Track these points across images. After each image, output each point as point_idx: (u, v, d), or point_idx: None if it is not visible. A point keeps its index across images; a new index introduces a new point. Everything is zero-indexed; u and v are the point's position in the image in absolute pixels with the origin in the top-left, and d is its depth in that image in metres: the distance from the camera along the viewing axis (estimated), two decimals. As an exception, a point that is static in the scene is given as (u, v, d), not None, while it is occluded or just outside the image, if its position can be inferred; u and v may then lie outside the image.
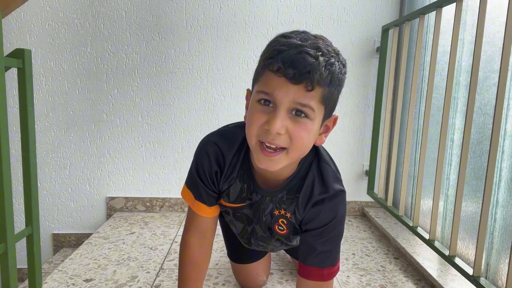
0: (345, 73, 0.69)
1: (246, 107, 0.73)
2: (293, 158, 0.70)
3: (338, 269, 0.81)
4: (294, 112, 0.64)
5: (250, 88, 0.73)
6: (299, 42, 0.62)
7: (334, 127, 0.74)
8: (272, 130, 0.63)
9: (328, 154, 0.84)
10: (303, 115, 0.64)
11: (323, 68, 0.62)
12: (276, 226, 0.86)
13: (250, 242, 0.95)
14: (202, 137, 0.84)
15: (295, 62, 0.60)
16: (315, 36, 0.66)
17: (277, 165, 0.68)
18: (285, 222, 0.84)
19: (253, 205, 0.85)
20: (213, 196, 0.84)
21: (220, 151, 0.79)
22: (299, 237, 0.86)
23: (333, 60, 0.64)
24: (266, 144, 0.66)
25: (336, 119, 0.73)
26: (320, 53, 0.62)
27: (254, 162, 0.75)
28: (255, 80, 0.69)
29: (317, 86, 0.62)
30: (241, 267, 1.10)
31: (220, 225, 1.11)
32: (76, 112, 1.72)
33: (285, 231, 0.86)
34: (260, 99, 0.65)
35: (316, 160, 0.79)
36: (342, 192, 0.78)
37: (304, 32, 0.67)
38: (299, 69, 0.60)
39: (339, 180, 0.80)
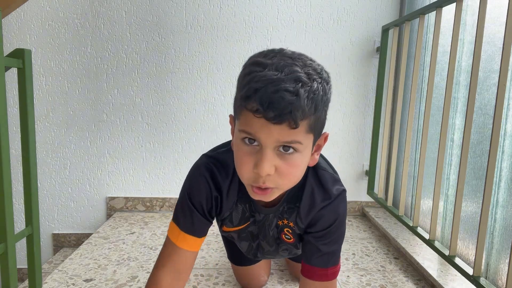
0: (330, 88, 0.64)
1: (232, 133, 0.71)
2: (287, 189, 0.69)
3: (339, 267, 0.82)
4: (281, 148, 0.61)
5: (232, 114, 0.70)
6: (276, 75, 0.57)
7: (325, 143, 0.72)
8: (261, 174, 0.61)
9: (322, 157, 0.82)
10: (291, 149, 0.61)
11: (305, 101, 0.57)
12: (283, 236, 0.85)
13: (257, 256, 0.94)
14: (197, 151, 0.81)
15: (273, 102, 0.56)
16: (292, 57, 0.60)
17: (271, 198, 0.67)
18: (290, 231, 0.84)
19: (257, 222, 0.84)
20: (205, 224, 0.79)
21: (217, 177, 0.77)
22: None
23: (315, 85, 0.59)
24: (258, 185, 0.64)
25: (326, 136, 0.71)
26: (300, 84, 0.57)
27: None
28: (236, 113, 0.65)
29: (301, 122, 0.59)
30: (242, 268, 1.09)
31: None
32: (76, 112, 1.72)
33: (292, 239, 0.85)
34: (244, 137, 0.62)
35: (312, 168, 0.77)
36: (343, 191, 0.77)
37: (279, 52, 0.61)
38: (279, 110, 0.56)
39: (337, 181, 0.78)
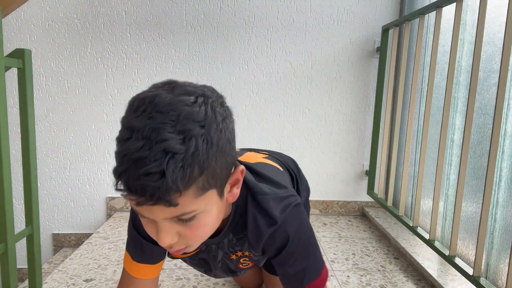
0: (224, 127, 0.52)
1: None
2: (202, 242, 0.61)
3: (325, 276, 0.73)
4: (177, 217, 0.52)
5: None
6: (139, 150, 0.47)
7: (243, 175, 0.61)
8: (163, 245, 0.55)
9: (261, 175, 0.73)
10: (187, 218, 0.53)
11: (179, 176, 0.46)
12: (240, 265, 0.80)
13: (217, 278, 0.90)
14: None
15: (139, 190, 0.47)
16: (164, 111, 0.48)
17: (191, 250, 0.62)
18: (248, 259, 0.78)
19: (203, 253, 0.79)
20: (159, 251, 0.74)
21: None
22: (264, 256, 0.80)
23: (193, 145, 0.47)
24: None
25: (243, 170, 0.60)
26: (168, 156, 0.46)
27: None
28: None
29: (182, 196, 0.48)
30: None
31: None
32: (76, 112, 1.72)
33: (250, 264, 0.81)
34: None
35: (250, 195, 0.68)
36: (293, 208, 0.68)
37: (151, 102, 0.50)
38: (147, 197, 0.47)
39: (283, 199, 0.69)
